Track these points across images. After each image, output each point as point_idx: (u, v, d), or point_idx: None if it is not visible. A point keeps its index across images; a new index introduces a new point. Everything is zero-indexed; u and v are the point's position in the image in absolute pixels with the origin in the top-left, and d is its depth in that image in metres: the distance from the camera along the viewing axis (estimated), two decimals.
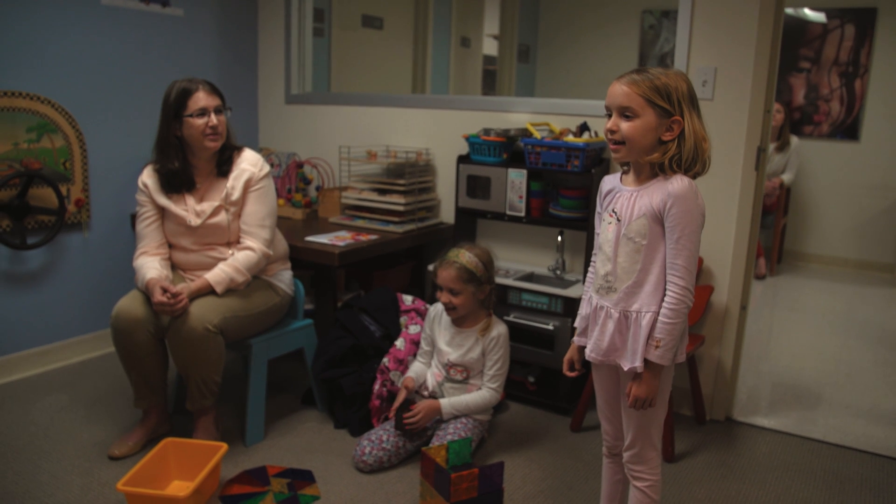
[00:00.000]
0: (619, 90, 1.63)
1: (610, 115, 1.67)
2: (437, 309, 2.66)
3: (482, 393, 2.56)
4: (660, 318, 1.65)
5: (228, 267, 2.50)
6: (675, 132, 1.62)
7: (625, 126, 1.63)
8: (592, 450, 2.62)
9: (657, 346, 1.65)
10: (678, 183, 1.61)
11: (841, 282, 5.37)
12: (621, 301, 1.70)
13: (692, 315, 2.26)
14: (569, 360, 1.90)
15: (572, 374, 1.89)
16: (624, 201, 1.70)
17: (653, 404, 1.71)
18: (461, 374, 2.58)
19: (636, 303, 1.68)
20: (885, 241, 5.59)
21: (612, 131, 1.65)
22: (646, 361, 1.67)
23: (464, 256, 2.51)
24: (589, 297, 1.83)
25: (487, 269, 2.55)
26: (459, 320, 2.58)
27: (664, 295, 1.66)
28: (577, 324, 1.90)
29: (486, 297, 2.57)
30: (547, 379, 3.06)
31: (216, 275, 2.47)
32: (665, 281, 1.66)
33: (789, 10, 5.58)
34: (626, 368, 1.70)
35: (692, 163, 1.64)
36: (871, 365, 3.65)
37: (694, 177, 1.65)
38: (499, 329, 2.58)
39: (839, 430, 2.86)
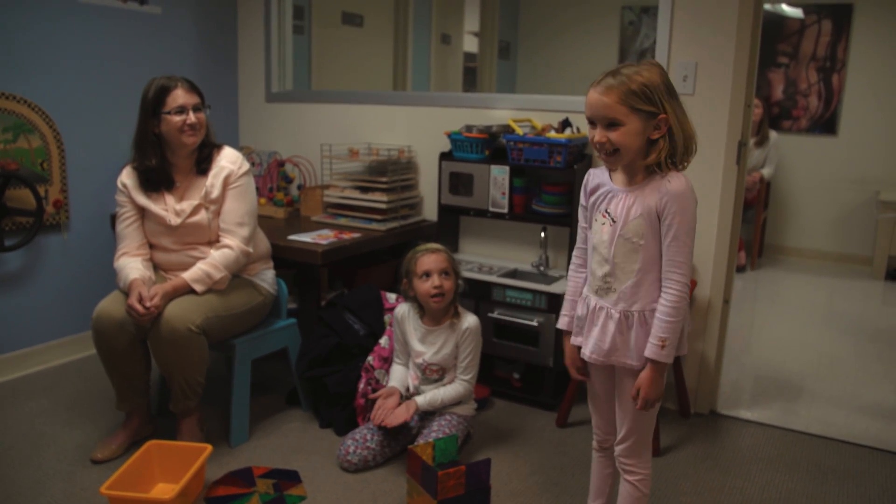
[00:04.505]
0: (599, 101, 1.59)
1: (593, 124, 1.63)
2: (402, 310, 2.64)
3: (455, 386, 2.54)
4: (661, 316, 1.64)
5: (205, 265, 2.47)
6: (663, 129, 1.61)
7: (614, 135, 1.60)
8: (579, 445, 2.63)
9: (663, 346, 1.63)
10: (676, 182, 1.61)
11: (820, 275, 5.43)
12: (621, 301, 1.69)
13: None
14: (571, 363, 1.87)
15: (583, 378, 1.87)
16: (618, 202, 1.68)
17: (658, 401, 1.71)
18: (437, 373, 2.57)
19: (637, 302, 1.68)
20: (864, 234, 5.66)
21: (601, 143, 1.62)
22: (651, 360, 1.65)
23: (438, 245, 2.56)
24: (585, 297, 1.80)
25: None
26: (432, 316, 2.56)
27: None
28: (565, 325, 1.87)
29: (457, 290, 2.59)
30: (532, 375, 3.06)
31: (193, 273, 2.45)
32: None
33: (767, 6, 5.62)
34: (636, 368, 1.69)
35: (685, 154, 1.63)
36: (851, 356, 3.69)
37: (684, 168, 1.65)
38: (469, 320, 2.56)
39: (821, 421, 2.89)
